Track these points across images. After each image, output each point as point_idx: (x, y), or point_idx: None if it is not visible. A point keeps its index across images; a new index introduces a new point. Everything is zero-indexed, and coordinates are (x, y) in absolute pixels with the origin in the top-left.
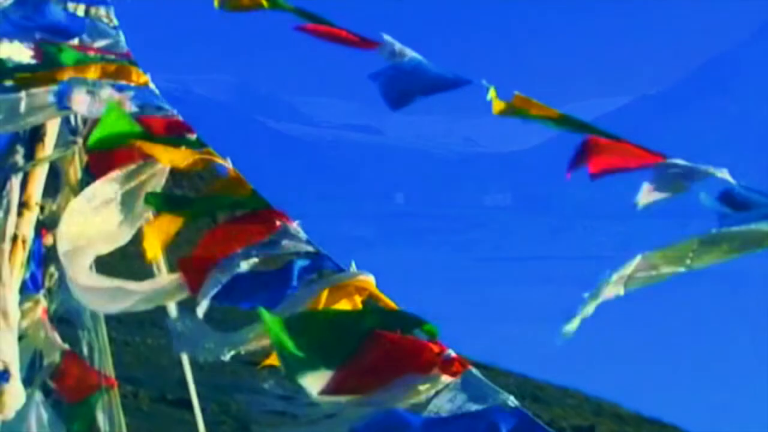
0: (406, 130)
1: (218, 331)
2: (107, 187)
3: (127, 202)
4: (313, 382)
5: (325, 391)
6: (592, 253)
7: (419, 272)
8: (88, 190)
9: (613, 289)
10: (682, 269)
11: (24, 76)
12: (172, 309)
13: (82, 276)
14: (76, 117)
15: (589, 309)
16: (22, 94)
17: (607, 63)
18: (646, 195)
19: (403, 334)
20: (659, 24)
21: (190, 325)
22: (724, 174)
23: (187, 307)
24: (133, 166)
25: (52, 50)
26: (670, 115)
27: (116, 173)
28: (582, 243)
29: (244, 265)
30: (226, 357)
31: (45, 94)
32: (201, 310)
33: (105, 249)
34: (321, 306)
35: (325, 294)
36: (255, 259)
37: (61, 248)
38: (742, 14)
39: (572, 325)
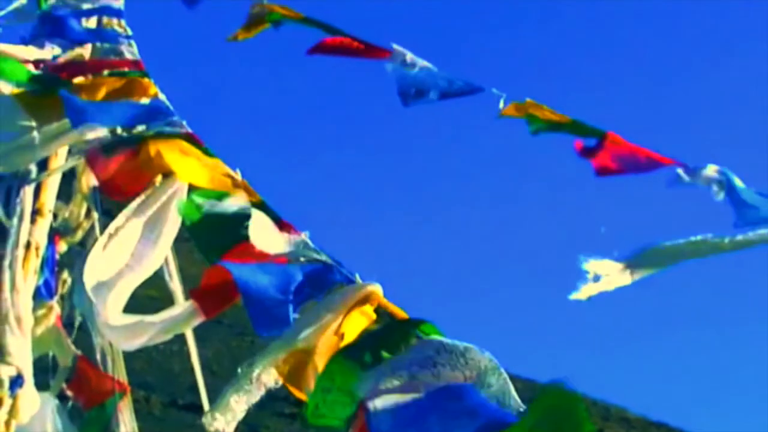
0: None
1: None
2: (129, 218)
3: (151, 227)
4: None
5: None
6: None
7: (420, 274)
8: (111, 226)
9: (620, 275)
10: (687, 258)
11: (30, 100)
12: (189, 335)
13: (114, 316)
14: None
15: (597, 270)
16: (35, 133)
17: (609, 64)
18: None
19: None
20: (660, 23)
21: None
22: (732, 177)
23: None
24: (149, 191)
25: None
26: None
27: (135, 202)
28: (582, 244)
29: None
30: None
31: (56, 126)
32: None
33: (139, 279)
34: (336, 322)
35: (339, 312)
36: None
37: (89, 286)
38: (743, 14)
39: (583, 293)
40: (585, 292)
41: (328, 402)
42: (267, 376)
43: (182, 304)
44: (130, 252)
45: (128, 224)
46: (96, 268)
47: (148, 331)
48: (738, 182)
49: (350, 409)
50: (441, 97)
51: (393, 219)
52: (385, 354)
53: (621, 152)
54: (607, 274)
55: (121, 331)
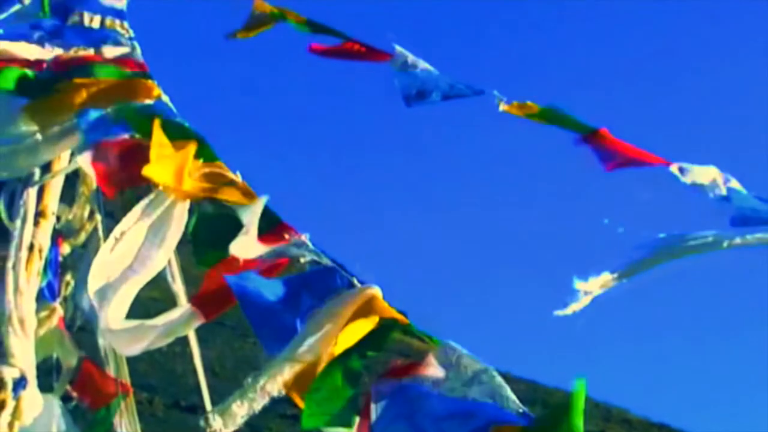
0: None
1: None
2: (133, 222)
3: (155, 231)
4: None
5: None
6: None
7: (421, 275)
8: (116, 229)
9: (609, 285)
10: (681, 256)
11: (36, 105)
12: (192, 337)
13: (116, 321)
14: None
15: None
16: (38, 136)
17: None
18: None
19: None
20: (662, 23)
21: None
22: (730, 180)
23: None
24: (152, 195)
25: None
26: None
27: (140, 205)
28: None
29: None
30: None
31: (59, 129)
32: None
33: (142, 282)
34: (337, 329)
35: (341, 317)
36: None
37: (93, 289)
38: (742, 14)
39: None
40: (572, 308)
41: (319, 401)
42: (272, 386)
43: (182, 307)
44: (134, 255)
45: (133, 227)
46: (101, 271)
47: (149, 335)
48: (736, 184)
49: (341, 404)
50: (442, 98)
51: (394, 220)
52: (369, 353)
53: (614, 148)
54: (596, 290)
55: (122, 335)
